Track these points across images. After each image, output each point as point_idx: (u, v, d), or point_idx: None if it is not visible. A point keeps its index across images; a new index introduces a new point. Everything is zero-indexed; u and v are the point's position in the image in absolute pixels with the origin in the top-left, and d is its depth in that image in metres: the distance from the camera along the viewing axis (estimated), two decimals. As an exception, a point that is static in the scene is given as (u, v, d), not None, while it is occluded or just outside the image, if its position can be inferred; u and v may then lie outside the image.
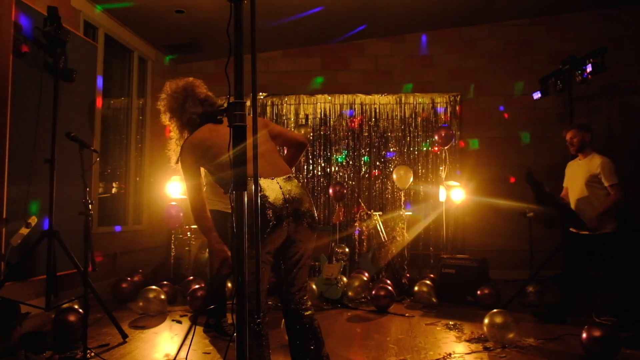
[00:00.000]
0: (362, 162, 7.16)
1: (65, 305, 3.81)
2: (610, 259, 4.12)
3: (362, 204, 6.58)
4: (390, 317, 4.51)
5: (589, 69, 4.94)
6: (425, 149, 7.04)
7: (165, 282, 5.19)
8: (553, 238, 6.20)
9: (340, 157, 7.19)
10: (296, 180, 2.22)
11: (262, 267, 2.09)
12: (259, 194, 2.02)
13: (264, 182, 2.09)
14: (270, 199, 2.07)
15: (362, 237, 6.33)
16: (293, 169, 2.41)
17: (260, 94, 7.27)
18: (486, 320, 3.61)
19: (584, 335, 3.30)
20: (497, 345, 3.52)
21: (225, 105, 1.65)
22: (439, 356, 3.33)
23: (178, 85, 2.43)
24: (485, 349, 3.49)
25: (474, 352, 3.45)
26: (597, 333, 3.26)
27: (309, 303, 2.32)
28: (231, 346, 1.76)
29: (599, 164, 4.15)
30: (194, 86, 2.43)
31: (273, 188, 2.10)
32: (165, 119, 2.44)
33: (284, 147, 2.59)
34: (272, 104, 7.32)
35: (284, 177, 2.18)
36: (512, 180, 6.93)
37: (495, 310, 3.66)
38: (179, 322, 4.30)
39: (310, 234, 2.22)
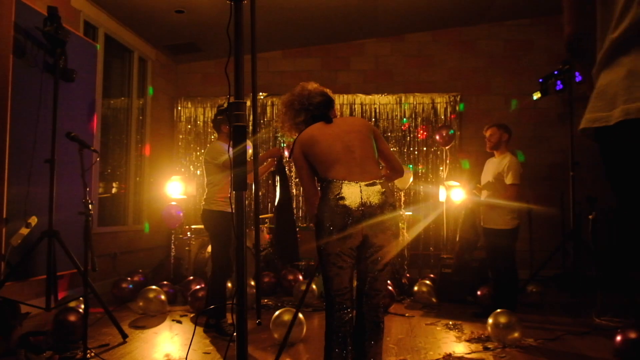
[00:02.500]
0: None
1: (72, 304, 3.81)
2: (502, 253, 4.27)
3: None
4: (390, 317, 4.51)
5: (589, 69, 4.94)
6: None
7: (165, 282, 5.20)
8: (553, 238, 6.21)
9: None
10: (379, 187, 2.29)
11: (334, 269, 2.27)
12: (338, 196, 2.23)
13: (346, 186, 2.25)
14: (347, 202, 2.22)
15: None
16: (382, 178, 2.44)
17: (260, 94, 7.27)
18: (490, 320, 3.61)
19: (618, 338, 3.21)
20: (498, 345, 3.52)
21: (226, 105, 1.65)
22: (439, 356, 3.33)
23: (287, 96, 2.67)
24: (486, 349, 3.50)
25: (474, 352, 3.45)
26: (633, 335, 3.16)
27: (382, 311, 2.41)
28: (231, 346, 1.76)
29: (506, 162, 4.31)
30: (301, 92, 2.64)
31: (353, 191, 2.24)
32: (281, 128, 2.68)
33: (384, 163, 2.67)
34: (272, 104, 7.32)
35: (368, 182, 2.27)
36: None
37: (499, 310, 3.66)
38: (179, 322, 4.30)
39: (388, 239, 2.29)
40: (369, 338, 2.32)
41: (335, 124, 2.45)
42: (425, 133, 7.03)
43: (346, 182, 2.25)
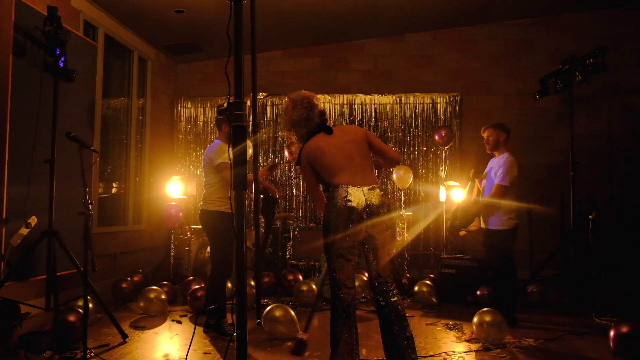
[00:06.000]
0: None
1: (79, 303, 3.81)
2: (500, 254, 4.24)
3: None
4: (390, 317, 4.51)
5: (589, 69, 4.94)
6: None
7: (165, 282, 5.19)
8: (553, 238, 6.20)
9: None
10: (378, 190, 2.66)
11: (341, 261, 2.58)
12: (346, 199, 2.56)
13: (351, 189, 2.59)
14: (354, 203, 2.55)
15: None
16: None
17: (260, 94, 7.27)
18: (475, 319, 3.62)
19: (612, 332, 3.26)
20: (497, 345, 3.52)
21: (225, 105, 1.65)
22: (438, 356, 3.33)
23: (297, 106, 2.81)
24: (486, 348, 3.49)
25: (474, 351, 3.45)
26: (625, 329, 3.20)
27: (395, 291, 2.69)
28: (231, 346, 1.76)
29: (502, 162, 4.29)
30: (310, 103, 2.82)
31: (358, 195, 2.58)
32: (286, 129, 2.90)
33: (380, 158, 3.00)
34: (272, 104, 7.32)
35: (369, 187, 2.64)
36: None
37: (484, 309, 3.67)
38: (179, 322, 4.30)
39: (387, 233, 2.63)
40: (394, 324, 2.60)
41: (335, 135, 2.76)
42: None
43: (350, 186, 2.59)
